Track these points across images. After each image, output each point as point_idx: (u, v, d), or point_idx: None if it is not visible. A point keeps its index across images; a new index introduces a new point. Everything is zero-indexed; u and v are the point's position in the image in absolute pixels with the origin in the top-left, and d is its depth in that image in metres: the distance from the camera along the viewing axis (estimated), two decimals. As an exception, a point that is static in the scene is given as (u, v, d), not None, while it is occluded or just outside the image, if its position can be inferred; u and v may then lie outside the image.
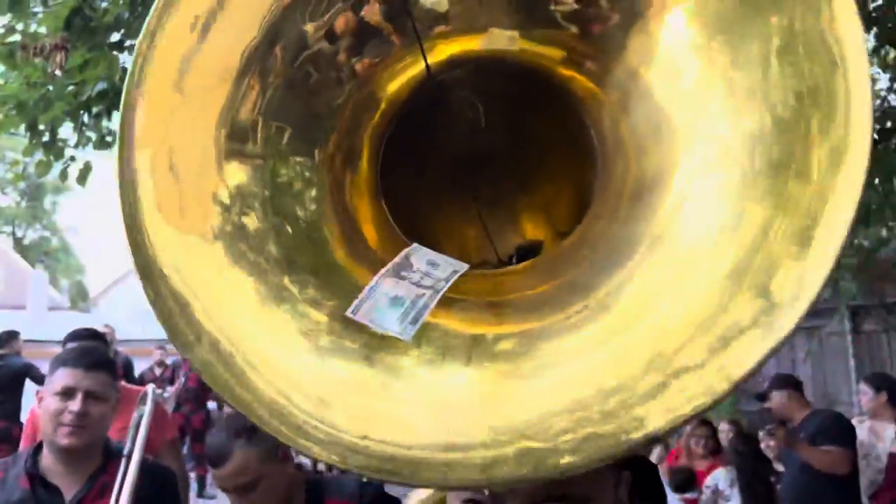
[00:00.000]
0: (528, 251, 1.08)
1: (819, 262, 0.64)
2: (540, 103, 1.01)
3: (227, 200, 0.88)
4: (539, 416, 0.66)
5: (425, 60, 0.89)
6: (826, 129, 0.66)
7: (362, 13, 0.89)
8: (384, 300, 0.77)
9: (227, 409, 9.71)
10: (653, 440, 0.67)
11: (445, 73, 0.94)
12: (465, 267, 0.85)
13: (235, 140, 0.91)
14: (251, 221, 0.88)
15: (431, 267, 0.82)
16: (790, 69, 0.68)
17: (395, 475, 0.65)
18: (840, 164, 0.65)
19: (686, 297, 0.68)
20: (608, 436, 0.64)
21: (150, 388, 2.10)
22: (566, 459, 0.64)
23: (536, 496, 0.75)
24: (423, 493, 1.24)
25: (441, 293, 0.79)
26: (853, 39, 0.67)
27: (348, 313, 0.75)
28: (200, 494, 8.55)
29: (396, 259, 0.82)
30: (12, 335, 8.32)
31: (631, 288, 0.74)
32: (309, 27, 0.91)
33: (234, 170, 0.90)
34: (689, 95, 0.75)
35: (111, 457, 2.04)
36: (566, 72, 0.89)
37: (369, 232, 0.96)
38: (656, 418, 0.65)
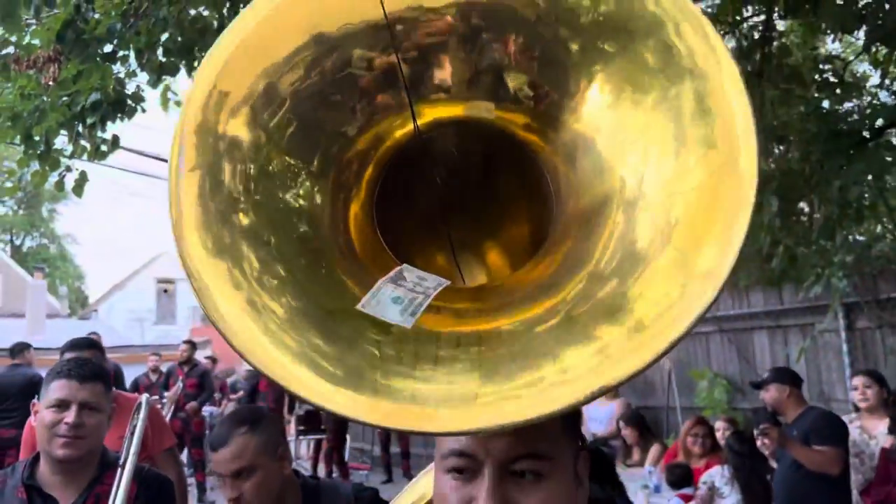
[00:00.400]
0: None
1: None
2: (506, 158, 1.22)
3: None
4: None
5: (414, 121, 1.10)
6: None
7: (391, 60, 1.08)
8: (387, 298, 0.94)
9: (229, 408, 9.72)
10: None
11: (432, 130, 1.16)
12: (447, 282, 1.02)
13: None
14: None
15: (420, 280, 1.01)
16: (691, 121, 0.90)
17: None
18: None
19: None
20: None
21: (143, 397, 2.14)
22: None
23: (510, 454, 0.85)
24: (415, 493, 1.29)
25: (432, 296, 0.97)
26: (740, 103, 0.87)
27: (359, 306, 0.91)
28: (200, 500, 8.57)
29: (391, 273, 0.99)
30: (24, 346, 8.37)
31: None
32: (357, 52, 1.07)
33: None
34: (613, 143, 1.00)
35: (107, 466, 2.08)
36: (527, 134, 1.12)
37: (361, 252, 1.11)
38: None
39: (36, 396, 2.20)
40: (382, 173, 1.17)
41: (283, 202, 1.01)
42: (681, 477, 5.15)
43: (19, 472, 2.05)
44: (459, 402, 0.83)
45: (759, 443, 4.03)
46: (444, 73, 1.09)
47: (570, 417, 0.93)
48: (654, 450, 6.33)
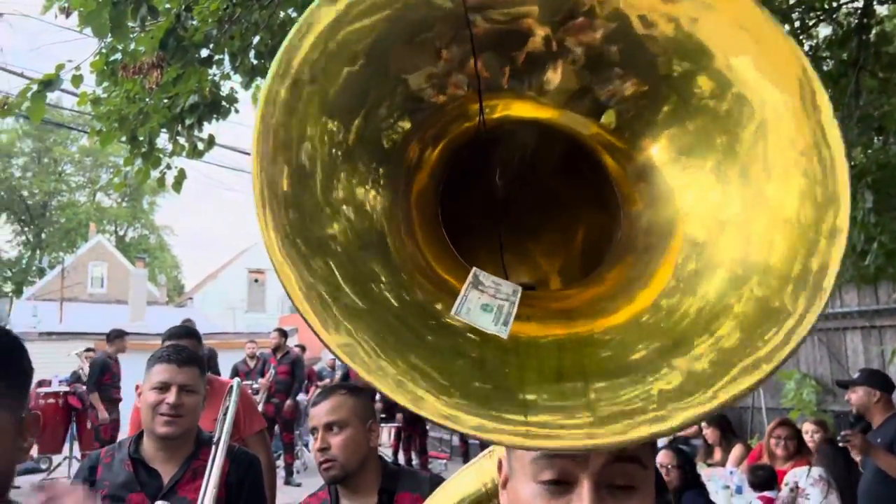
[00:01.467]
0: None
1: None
2: (571, 163, 1.19)
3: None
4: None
5: (482, 115, 1.06)
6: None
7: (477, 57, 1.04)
8: (476, 306, 0.91)
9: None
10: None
11: (497, 129, 1.11)
12: (520, 288, 1.00)
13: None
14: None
15: (497, 285, 0.97)
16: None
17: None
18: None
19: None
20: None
21: (235, 381, 2.32)
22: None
23: (609, 468, 0.85)
24: (478, 479, 1.31)
25: (517, 303, 0.94)
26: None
27: (452, 313, 0.89)
28: (287, 482, 8.95)
29: (470, 278, 0.97)
30: (119, 334, 9.01)
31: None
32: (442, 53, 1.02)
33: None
34: (685, 173, 0.99)
35: (202, 444, 2.27)
36: (597, 144, 1.08)
37: (428, 251, 1.08)
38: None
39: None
40: (447, 167, 1.15)
41: (354, 199, 0.96)
42: (764, 479, 5.02)
43: (126, 447, 2.26)
44: (572, 420, 0.80)
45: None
46: (548, 76, 1.05)
47: None
48: (737, 450, 6.18)
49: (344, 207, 0.93)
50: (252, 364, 9.42)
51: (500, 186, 1.25)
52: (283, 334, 9.66)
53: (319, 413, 2.06)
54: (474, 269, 0.99)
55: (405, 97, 1.02)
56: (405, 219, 1.04)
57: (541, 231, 1.31)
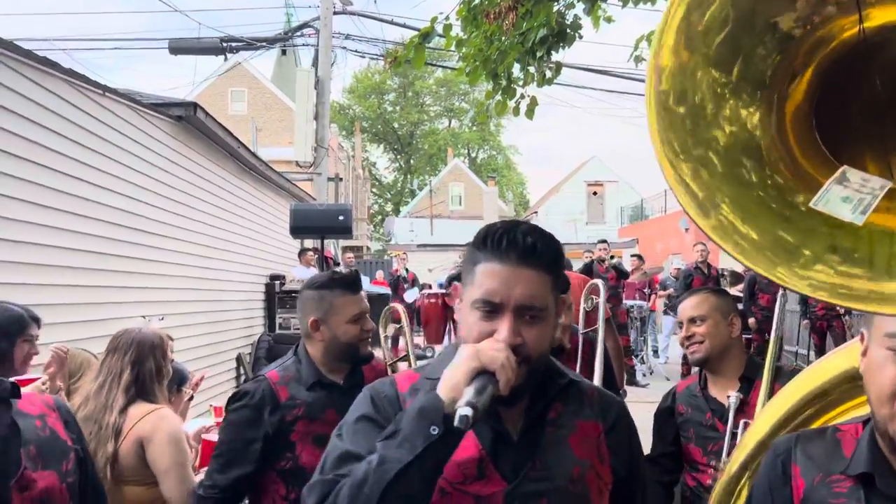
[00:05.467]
0: None
1: None
2: None
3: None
4: None
5: (860, 22, 1.16)
6: None
7: None
8: (836, 198, 1.06)
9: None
10: None
11: (877, 35, 1.18)
12: (890, 183, 1.11)
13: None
14: (723, 137, 1.17)
15: (865, 181, 1.10)
16: None
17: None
18: None
19: None
20: None
21: (598, 281, 2.78)
22: None
23: None
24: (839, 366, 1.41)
25: (880, 196, 1.07)
26: None
27: (811, 205, 1.06)
28: (631, 382, 9.54)
29: (836, 174, 1.11)
30: None
31: None
32: None
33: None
34: None
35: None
36: None
37: (799, 152, 1.23)
38: None
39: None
40: (823, 75, 1.24)
41: (734, 114, 1.14)
42: None
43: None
44: None
45: None
46: None
47: None
48: None
49: (727, 125, 1.16)
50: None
51: (880, 90, 1.30)
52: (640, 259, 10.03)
53: (687, 307, 2.43)
54: (844, 166, 1.14)
55: (777, 37, 1.18)
56: (779, 128, 1.21)
57: None
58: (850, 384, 1.33)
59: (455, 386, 1.11)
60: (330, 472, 1.18)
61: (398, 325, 5.59)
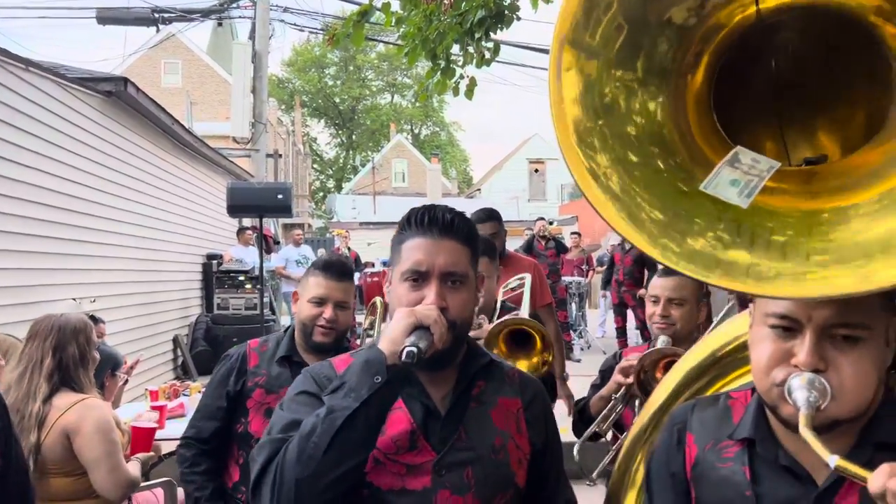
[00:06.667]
0: (814, 163, 1.35)
1: None
2: (847, 42, 1.25)
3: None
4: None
5: (757, 6, 1.22)
6: None
7: None
8: (725, 181, 1.12)
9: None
10: None
11: (775, 15, 1.24)
12: (779, 164, 1.18)
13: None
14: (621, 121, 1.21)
15: (755, 162, 1.15)
16: None
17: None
18: None
19: None
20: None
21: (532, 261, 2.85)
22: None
23: (829, 321, 1.04)
24: (729, 334, 1.48)
25: (766, 178, 1.13)
26: None
27: (702, 188, 1.11)
28: (568, 357, 9.78)
29: (728, 156, 1.16)
30: None
31: None
32: None
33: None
34: None
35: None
36: (876, 19, 1.16)
37: (697, 134, 1.28)
38: None
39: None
40: (720, 59, 1.30)
41: (635, 97, 1.19)
42: None
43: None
44: (791, 274, 0.97)
45: None
46: None
47: (889, 292, 1.01)
48: None
49: (635, 116, 1.22)
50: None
51: (774, 71, 1.38)
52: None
53: (665, 287, 2.39)
54: (737, 147, 1.20)
55: (673, 30, 1.24)
56: (682, 113, 1.27)
57: (817, 108, 1.40)
58: (742, 353, 1.39)
59: (395, 339, 1.22)
60: (277, 434, 1.26)
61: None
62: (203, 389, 2.47)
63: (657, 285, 2.45)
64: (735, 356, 1.43)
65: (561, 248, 10.16)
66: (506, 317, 2.44)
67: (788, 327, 1.06)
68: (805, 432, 0.97)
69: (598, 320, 12.05)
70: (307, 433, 1.18)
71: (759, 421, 1.16)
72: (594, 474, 2.26)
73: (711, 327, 2.12)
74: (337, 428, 1.16)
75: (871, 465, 0.91)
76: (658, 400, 1.53)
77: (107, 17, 11.95)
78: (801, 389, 1.02)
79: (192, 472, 2.26)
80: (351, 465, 1.18)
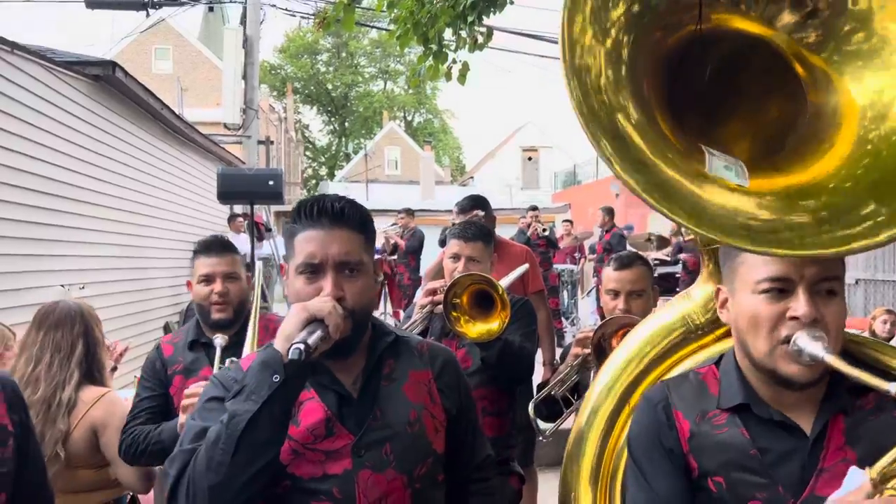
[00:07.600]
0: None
1: None
2: (768, 65, 1.42)
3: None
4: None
5: (699, 23, 1.34)
6: None
7: None
8: (720, 167, 1.25)
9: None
10: None
11: (714, 35, 1.38)
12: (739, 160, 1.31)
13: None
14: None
15: (723, 154, 1.28)
16: None
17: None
18: None
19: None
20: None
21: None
22: None
23: (817, 276, 1.17)
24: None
25: (742, 164, 1.26)
26: None
27: (707, 171, 1.22)
28: (559, 345, 9.81)
29: (707, 150, 1.27)
30: (410, 212, 10.33)
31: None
32: None
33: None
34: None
35: None
36: (793, 49, 1.36)
37: (669, 131, 1.37)
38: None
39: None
40: (673, 68, 1.41)
41: (625, 95, 1.26)
42: None
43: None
44: (788, 236, 1.12)
45: None
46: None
47: None
48: None
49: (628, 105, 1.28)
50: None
51: (709, 81, 1.49)
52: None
53: (625, 280, 2.41)
54: (703, 147, 1.29)
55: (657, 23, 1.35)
56: (652, 105, 1.35)
57: (737, 114, 1.53)
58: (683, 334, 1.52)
59: (289, 336, 1.24)
60: (188, 445, 1.28)
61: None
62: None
63: (615, 279, 2.44)
64: (671, 335, 1.53)
65: (551, 244, 10.13)
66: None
67: (782, 289, 1.17)
68: (848, 369, 1.10)
69: (589, 308, 12.07)
70: (213, 441, 1.21)
71: (748, 388, 1.25)
72: (547, 431, 2.44)
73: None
74: (240, 432, 1.19)
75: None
76: (603, 381, 1.58)
77: (95, 2, 11.79)
78: (812, 342, 1.13)
79: (145, 437, 2.22)
80: (261, 465, 1.21)
